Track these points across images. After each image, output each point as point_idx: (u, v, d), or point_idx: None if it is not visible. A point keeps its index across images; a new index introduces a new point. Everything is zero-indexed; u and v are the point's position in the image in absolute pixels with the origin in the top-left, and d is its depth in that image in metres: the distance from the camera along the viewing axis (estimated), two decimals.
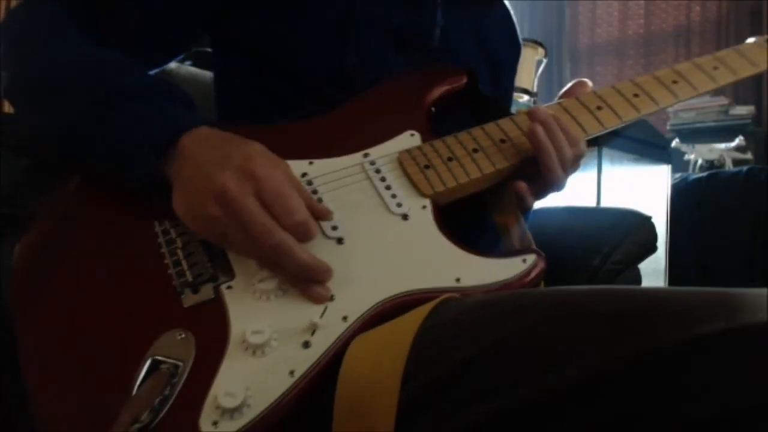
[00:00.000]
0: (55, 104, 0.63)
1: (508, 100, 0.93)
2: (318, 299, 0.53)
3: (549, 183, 0.67)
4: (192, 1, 0.71)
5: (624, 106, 0.72)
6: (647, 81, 0.74)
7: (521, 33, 0.92)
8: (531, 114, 0.67)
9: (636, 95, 0.73)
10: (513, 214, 0.67)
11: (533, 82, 1.94)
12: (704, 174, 2.58)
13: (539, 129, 0.65)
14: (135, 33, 0.69)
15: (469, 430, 0.42)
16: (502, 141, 0.68)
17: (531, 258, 0.58)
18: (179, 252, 0.57)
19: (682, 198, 2.35)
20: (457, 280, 0.56)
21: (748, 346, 0.36)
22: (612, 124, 0.71)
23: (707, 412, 0.36)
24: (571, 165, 0.68)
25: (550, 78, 4.15)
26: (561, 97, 0.76)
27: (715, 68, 0.76)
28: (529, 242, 0.63)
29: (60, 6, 0.67)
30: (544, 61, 1.98)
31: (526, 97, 1.87)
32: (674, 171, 2.38)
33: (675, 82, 0.74)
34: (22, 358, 0.52)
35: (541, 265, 0.58)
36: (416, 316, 0.49)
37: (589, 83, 0.76)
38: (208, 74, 1.04)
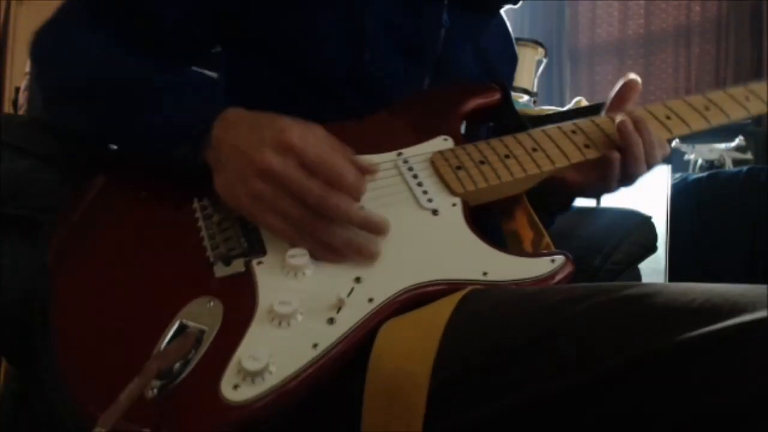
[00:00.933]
0: (79, 105, 0.66)
1: None
2: (372, 256, 0.55)
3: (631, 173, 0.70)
4: (215, 1, 0.71)
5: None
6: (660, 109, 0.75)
7: (521, 33, 0.93)
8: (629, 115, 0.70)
9: (669, 117, 0.73)
10: (527, 221, 0.67)
11: (533, 82, 1.94)
12: (704, 174, 2.57)
13: (628, 120, 0.69)
14: (165, 34, 0.70)
15: (472, 429, 0.43)
16: (534, 150, 0.69)
17: (560, 259, 0.58)
18: (215, 227, 0.59)
19: (682, 198, 2.35)
20: (485, 273, 0.56)
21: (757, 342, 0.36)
22: None
23: (729, 404, 0.36)
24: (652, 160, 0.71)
25: (550, 78, 4.15)
26: (613, 101, 0.75)
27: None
28: (548, 248, 0.63)
29: (79, 10, 0.69)
30: (544, 61, 1.98)
31: (526, 97, 1.87)
32: (674, 171, 2.37)
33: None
34: (54, 318, 0.53)
35: (569, 267, 0.58)
36: (446, 306, 0.49)
37: (638, 79, 0.75)
38: (207, 74, 1.04)
